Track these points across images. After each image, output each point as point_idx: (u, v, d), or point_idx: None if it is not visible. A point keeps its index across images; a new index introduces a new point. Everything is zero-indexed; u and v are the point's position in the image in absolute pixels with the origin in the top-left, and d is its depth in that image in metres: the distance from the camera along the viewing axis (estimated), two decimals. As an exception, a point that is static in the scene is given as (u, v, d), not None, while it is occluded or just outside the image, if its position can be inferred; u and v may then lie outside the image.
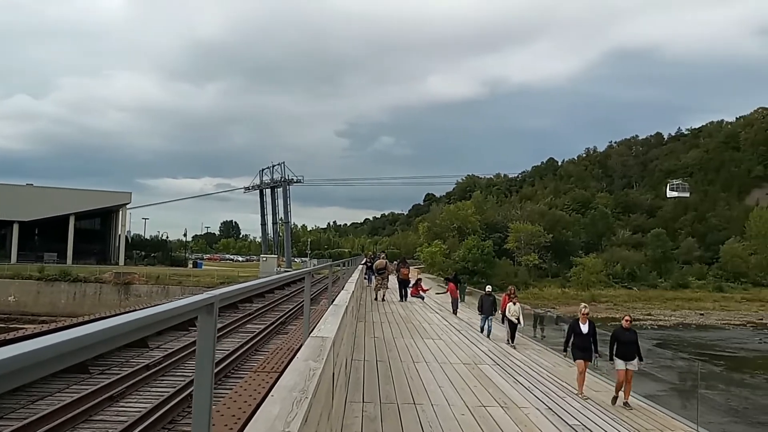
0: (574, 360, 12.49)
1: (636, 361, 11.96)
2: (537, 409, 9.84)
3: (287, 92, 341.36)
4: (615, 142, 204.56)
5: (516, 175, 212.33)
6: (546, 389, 11.76)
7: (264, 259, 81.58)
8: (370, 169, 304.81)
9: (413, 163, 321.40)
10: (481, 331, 19.76)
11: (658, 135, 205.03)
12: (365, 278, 32.08)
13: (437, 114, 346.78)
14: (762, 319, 65.65)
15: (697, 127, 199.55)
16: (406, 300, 28.99)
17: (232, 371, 13.41)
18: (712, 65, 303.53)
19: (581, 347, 12.33)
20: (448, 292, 29.59)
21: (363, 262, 36.00)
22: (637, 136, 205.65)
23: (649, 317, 64.75)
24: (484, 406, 9.59)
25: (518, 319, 18.40)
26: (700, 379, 16.99)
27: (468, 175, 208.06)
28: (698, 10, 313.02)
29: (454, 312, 25.94)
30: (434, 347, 15.56)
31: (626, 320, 12.55)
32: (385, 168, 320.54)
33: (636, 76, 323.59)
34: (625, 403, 11.45)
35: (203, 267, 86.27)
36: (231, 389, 9.23)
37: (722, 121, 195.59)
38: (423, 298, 30.19)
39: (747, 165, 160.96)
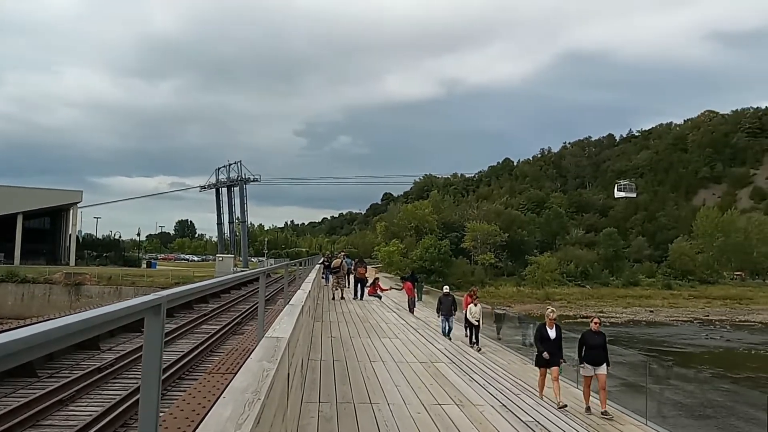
0: (537, 365, 11.93)
1: (604, 366, 11.26)
2: (492, 406, 9.96)
3: (244, 91, 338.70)
4: (569, 143, 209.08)
5: (473, 175, 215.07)
6: (501, 387, 11.90)
7: (220, 258, 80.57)
8: (328, 169, 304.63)
9: (371, 163, 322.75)
10: (444, 333, 19.09)
11: (610, 136, 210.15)
12: (323, 278, 31.96)
13: (395, 114, 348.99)
14: (708, 316, 67.84)
15: (647, 129, 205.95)
16: (361, 299, 28.97)
17: (187, 372, 13.22)
18: (662, 69, 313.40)
19: (548, 353, 11.65)
20: (404, 291, 29.74)
21: (321, 261, 35.89)
22: (590, 137, 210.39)
23: (602, 314, 65.94)
24: (440, 405, 9.66)
25: (479, 320, 17.90)
26: (650, 374, 17.48)
27: (425, 174, 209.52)
28: (648, 16, 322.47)
29: (411, 311, 26.04)
30: (391, 346, 15.60)
31: (595, 322, 11.78)
32: (342, 167, 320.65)
33: (588, 78, 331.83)
34: (604, 413, 10.79)
35: (157, 267, 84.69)
36: (185, 391, 9.10)
37: (671, 123, 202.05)
38: (380, 298, 30.22)
39: (694, 166, 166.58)
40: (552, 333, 11.86)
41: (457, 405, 9.77)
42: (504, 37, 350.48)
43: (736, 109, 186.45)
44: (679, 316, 67.08)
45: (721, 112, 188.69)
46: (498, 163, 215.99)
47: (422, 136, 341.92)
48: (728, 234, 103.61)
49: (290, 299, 9.63)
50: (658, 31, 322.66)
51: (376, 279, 33.27)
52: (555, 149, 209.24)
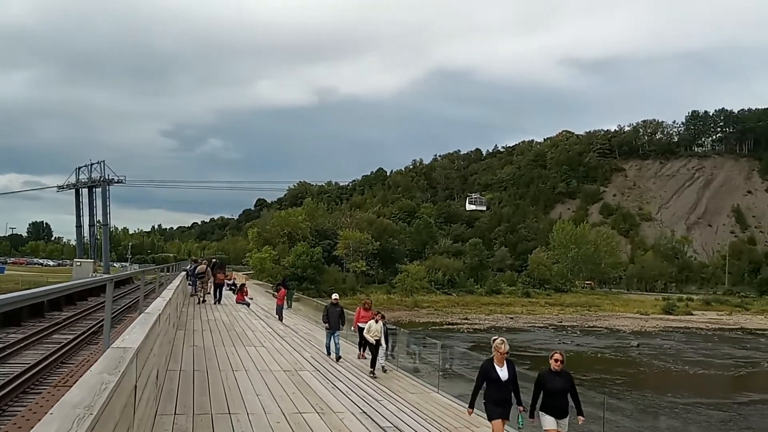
0: (489, 419, 8.63)
1: (568, 418, 8.48)
2: (352, 413, 10.08)
3: (108, 87, 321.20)
4: (439, 156, 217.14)
5: (347, 184, 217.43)
6: (364, 393, 12.05)
7: (78, 263, 75.58)
8: (199, 172, 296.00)
9: (244, 168, 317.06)
10: (328, 351, 16.26)
11: (478, 151, 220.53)
12: (189, 284, 31.08)
13: (268, 119, 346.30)
14: (561, 322, 72.48)
15: (511, 145, 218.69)
16: (220, 303, 29.53)
17: (32, 386, 12.32)
18: (524, 90, 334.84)
19: (498, 400, 8.50)
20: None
21: (187, 267, 34.86)
22: (459, 150, 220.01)
23: (466, 321, 68.83)
24: (301, 413, 9.65)
25: (379, 340, 14.75)
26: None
27: (300, 181, 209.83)
28: (510, 39, 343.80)
29: (280, 318, 25.85)
30: (256, 355, 15.37)
31: (556, 360, 8.50)
32: (214, 171, 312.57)
33: (458, 94, 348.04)
34: None
35: (6, 272, 78.30)
36: (26, 407, 8.47)
37: (532, 140, 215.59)
38: (249, 305, 29.95)
39: (552, 182, 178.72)
40: (503, 372, 8.55)
41: (317, 413, 9.81)
42: (376, 49, 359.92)
43: (590, 131, 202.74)
44: (536, 322, 71.07)
45: (576, 133, 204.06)
46: (372, 172, 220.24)
47: (297, 143, 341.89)
48: (580, 246, 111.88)
49: (147, 307, 9.27)
50: (519, 53, 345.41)
51: (243, 285, 32.97)
52: (426, 161, 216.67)
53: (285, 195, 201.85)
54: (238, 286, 34.35)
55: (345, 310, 17.53)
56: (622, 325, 69.76)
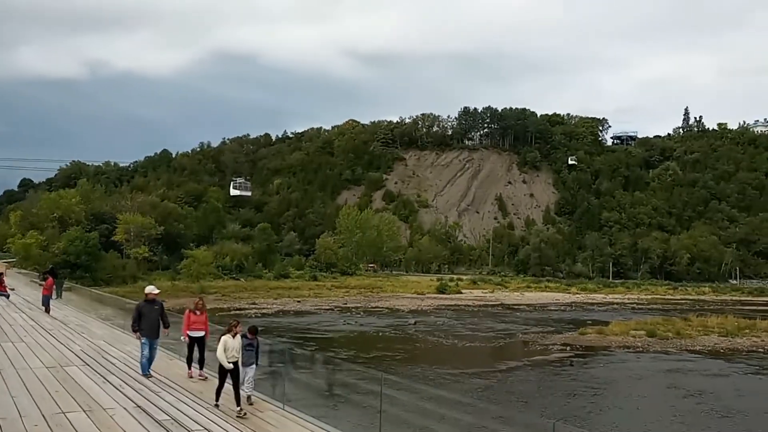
0: None
1: None
2: (125, 408, 9.53)
3: None
4: (228, 139, 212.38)
5: (128, 165, 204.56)
6: (140, 386, 11.46)
7: None
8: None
9: (5, 143, 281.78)
10: (144, 368, 12.72)
11: (267, 136, 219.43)
12: None
13: (31, 90, 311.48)
14: (346, 304, 74.99)
15: (300, 131, 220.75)
16: None
17: None
18: (310, 77, 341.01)
19: None
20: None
21: None
22: (248, 134, 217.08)
23: (254, 306, 68.35)
24: (64, 413, 8.90)
25: (237, 363, 10.67)
26: (292, 361, 18.69)
27: (73, 161, 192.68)
28: (292, 26, 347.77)
29: (47, 310, 23.66)
30: (13, 351, 13.86)
31: None
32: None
33: (243, 78, 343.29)
34: None
35: None
36: None
37: (321, 128, 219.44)
38: (8, 296, 27.13)
39: (339, 169, 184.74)
40: None
41: (84, 412, 9.12)
42: (155, 25, 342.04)
43: (374, 121, 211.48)
44: (322, 305, 72.62)
45: (362, 122, 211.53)
46: (156, 153, 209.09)
47: (68, 118, 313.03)
48: (365, 231, 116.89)
49: None
50: (302, 41, 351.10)
51: (1, 275, 29.81)
52: (215, 144, 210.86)
53: (56, 175, 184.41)
54: (-5, 276, 30.72)
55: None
56: (402, 305, 73.95)
